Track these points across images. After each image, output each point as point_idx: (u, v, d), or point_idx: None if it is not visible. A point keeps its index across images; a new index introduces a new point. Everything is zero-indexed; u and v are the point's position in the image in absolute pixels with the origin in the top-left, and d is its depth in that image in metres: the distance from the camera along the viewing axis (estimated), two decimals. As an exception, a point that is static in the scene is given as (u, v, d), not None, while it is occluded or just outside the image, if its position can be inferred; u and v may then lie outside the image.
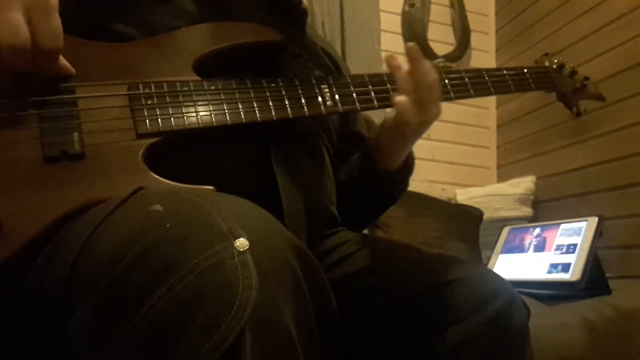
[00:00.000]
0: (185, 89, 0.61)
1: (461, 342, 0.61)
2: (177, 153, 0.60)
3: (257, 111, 0.63)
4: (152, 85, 0.60)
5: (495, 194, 2.10)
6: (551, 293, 1.28)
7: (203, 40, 0.66)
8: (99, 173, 0.54)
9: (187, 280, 0.35)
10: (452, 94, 0.76)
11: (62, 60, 0.56)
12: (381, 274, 0.68)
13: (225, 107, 0.62)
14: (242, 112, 0.62)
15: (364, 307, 0.66)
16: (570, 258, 1.30)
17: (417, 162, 0.85)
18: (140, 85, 0.59)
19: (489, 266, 1.54)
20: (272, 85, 0.65)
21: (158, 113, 0.59)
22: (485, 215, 1.99)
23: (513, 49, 2.40)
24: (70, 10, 0.55)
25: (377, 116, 2.02)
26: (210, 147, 0.62)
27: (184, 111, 0.60)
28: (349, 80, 0.71)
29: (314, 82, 0.69)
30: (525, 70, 0.86)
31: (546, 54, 0.95)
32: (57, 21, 0.52)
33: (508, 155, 2.39)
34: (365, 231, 1.24)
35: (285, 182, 0.64)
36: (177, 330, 0.35)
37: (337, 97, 0.69)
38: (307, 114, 0.66)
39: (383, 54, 2.23)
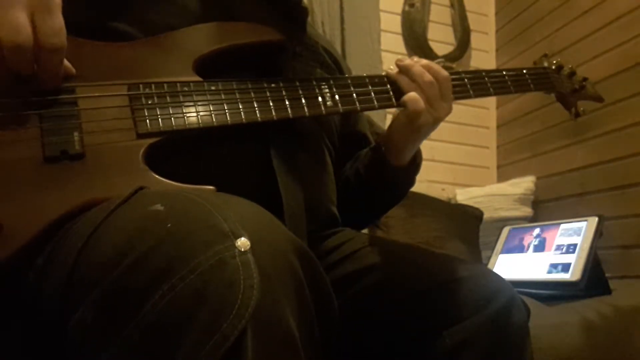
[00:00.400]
0: (186, 89, 0.61)
1: (461, 342, 0.61)
2: (178, 153, 0.60)
3: (257, 111, 0.63)
4: (153, 85, 0.60)
5: (495, 194, 2.10)
6: (551, 293, 1.28)
7: (204, 40, 0.66)
8: (99, 173, 0.54)
9: (188, 280, 0.35)
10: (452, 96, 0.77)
11: (63, 59, 0.56)
12: (381, 274, 0.68)
13: (226, 107, 0.62)
14: (242, 112, 0.62)
15: (364, 307, 0.66)
16: (570, 258, 1.30)
17: (417, 162, 0.85)
18: (141, 86, 0.59)
19: (489, 266, 1.54)
20: (273, 85, 0.66)
21: (158, 113, 0.59)
22: (485, 215, 1.99)
23: (513, 49, 2.40)
24: (71, 10, 0.55)
25: (377, 116, 2.02)
26: (210, 147, 0.62)
27: (184, 111, 0.60)
28: (349, 81, 0.72)
29: (314, 82, 0.69)
30: (525, 71, 0.86)
31: (545, 55, 0.95)
32: (60, 20, 0.52)
33: (508, 155, 2.39)
34: (365, 231, 1.24)
35: (285, 182, 0.64)
36: (179, 329, 0.35)
37: (337, 97, 0.69)
38: (307, 114, 0.66)
39: (383, 54, 2.23)
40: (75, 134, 0.54)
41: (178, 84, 0.61)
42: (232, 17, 0.69)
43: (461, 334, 0.61)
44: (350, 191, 0.82)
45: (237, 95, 0.63)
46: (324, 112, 0.68)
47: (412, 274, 0.67)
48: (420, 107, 0.70)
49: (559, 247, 1.37)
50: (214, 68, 0.65)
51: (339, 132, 0.82)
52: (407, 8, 2.34)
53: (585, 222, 1.36)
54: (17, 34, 0.49)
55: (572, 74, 0.93)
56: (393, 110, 0.74)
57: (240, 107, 0.62)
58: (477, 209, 2.00)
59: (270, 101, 0.64)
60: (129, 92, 0.59)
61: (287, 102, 0.65)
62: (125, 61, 0.61)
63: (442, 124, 0.75)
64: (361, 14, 2.17)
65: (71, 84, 0.57)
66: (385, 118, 2.13)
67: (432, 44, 2.35)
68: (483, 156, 2.44)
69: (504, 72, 0.83)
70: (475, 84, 0.79)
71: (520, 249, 1.51)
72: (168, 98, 0.60)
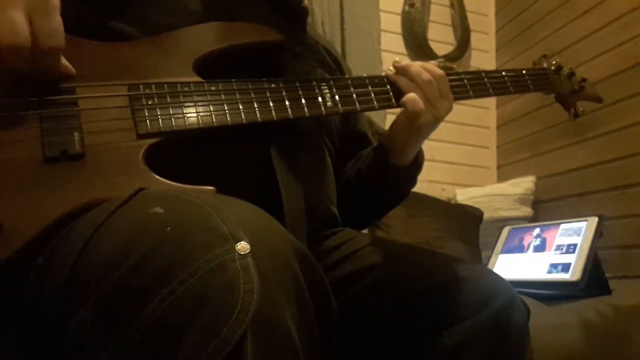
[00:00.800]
0: (186, 89, 0.61)
1: (461, 342, 0.61)
2: (178, 153, 0.60)
3: (257, 112, 0.63)
4: (153, 85, 0.60)
5: (495, 194, 2.10)
6: (551, 293, 1.28)
7: (204, 40, 0.66)
8: (100, 173, 0.54)
9: (188, 284, 0.35)
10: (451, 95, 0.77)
11: (63, 60, 0.56)
12: (381, 274, 0.68)
13: (226, 108, 0.62)
14: (242, 113, 0.62)
15: (364, 307, 0.66)
16: (570, 258, 1.30)
17: (417, 162, 0.85)
18: (141, 86, 0.59)
19: (489, 266, 1.54)
20: (273, 85, 0.66)
21: (159, 113, 0.59)
22: (485, 215, 1.99)
23: (513, 49, 2.40)
24: (70, 10, 0.55)
25: (377, 116, 2.02)
26: (210, 148, 0.62)
27: (184, 111, 0.60)
28: (349, 81, 0.72)
29: (314, 82, 0.69)
30: (524, 72, 0.86)
31: (544, 56, 0.95)
32: (58, 21, 0.52)
33: (508, 155, 2.39)
34: (365, 231, 1.24)
35: (285, 182, 0.64)
36: (178, 333, 0.34)
37: (337, 97, 0.69)
38: (307, 114, 0.66)
39: (383, 54, 2.23)
40: (76, 134, 0.54)
41: (178, 84, 0.61)
42: (233, 17, 0.69)
43: (461, 334, 0.61)
44: (351, 191, 0.82)
45: (237, 96, 0.63)
46: (324, 112, 0.68)
47: (412, 274, 0.67)
48: (420, 107, 0.70)
49: (559, 247, 1.37)
50: (214, 68, 0.65)
51: (339, 132, 0.82)
52: (407, 8, 2.34)
53: (585, 222, 1.36)
54: (16, 34, 0.49)
55: (572, 74, 0.93)
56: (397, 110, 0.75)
57: (241, 107, 0.62)
58: (477, 209, 2.00)
59: (270, 101, 0.64)
60: (129, 93, 0.59)
61: (287, 103, 0.65)
62: (125, 61, 0.61)
63: (442, 124, 0.75)
64: (361, 14, 2.17)
65: (71, 84, 0.57)
66: (385, 118, 2.13)
67: (432, 44, 2.35)
68: (483, 156, 2.44)
69: (504, 73, 0.83)
70: (474, 85, 0.80)
71: (520, 249, 1.51)
72: (168, 98, 0.60)
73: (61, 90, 0.56)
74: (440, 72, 0.74)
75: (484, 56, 2.49)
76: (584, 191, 1.93)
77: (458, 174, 2.33)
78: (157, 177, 0.56)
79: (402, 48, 2.35)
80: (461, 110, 2.30)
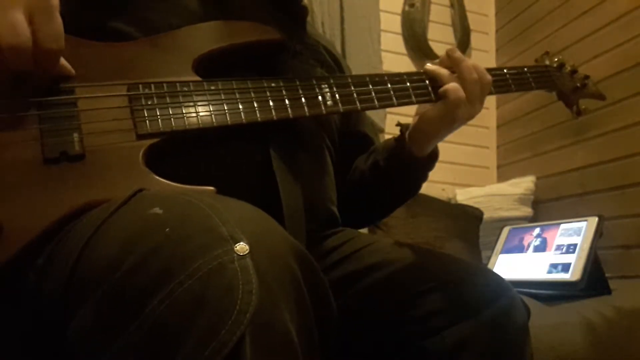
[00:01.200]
0: (186, 89, 0.61)
1: (461, 342, 0.61)
2: (178, 154, 0.60)
3: (257, 111, 0.63)
4: (152, 85, 0.60)
5: (495, 194, 2.10)
6: (551, 293, 1.28)
7: (203, 39, 0.66)
8: (99, 174, 0.54)
9: (187, 285, 0.35)
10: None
11: (62, 60, 0.56)
12: (381, 274, 0.68)
13: (226, 108, 0.61)
14: (242, 113, 0.62)
15: (364, 307, 0.66)
16: (570, 258, 1.30)
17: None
18: (140, 86, 0.59)
19: (489, 266, 1.54)
20: (273, 85, 0.65)
21: (158, 114, 0.58)
22: (485, 215, 1.99)
23: (513, 49, 2.40)
24: (70, 10, 0.55)
25: (378, 116, 2.02)
26: (210, 148, 0.62)
27: (184, 111, 0.60)
28: (349, 80, 0.71)
29: (314, 82, 0.69)
30: (526, 69, 0.86)
31: (546, 53, 0.94)
32: (58, 21, 0.52)
33: (508, 155, 2.39)
34: (365, 231, 1.24)
35: (285, 182, 0.64)
36: (177, 335, 0.34)
37: (337, 96, 0.69)
38: (307, 114, 0.66)
39: (383, 54, 2.23)
40: (75, 135, 0.54)
41: (178, 84, 0.61)
42: (232, 16, 0.69)
43: (461, 334, 0.61)
44: (365, 185, 0.82)
45: (237, 95, 0.63)
46: (324, 111, 0.68)
47: (412, 274, 0.67)
48: (462, 95, 0.71)
49: (559, 247, 1.37)
50: (214, 67, 0.65)
51: (339, 131, 0.82)
52: (407, 8, 2.34)
53: (585, 222, 1.36)
54: (16, 35, 0.49)
55: (574, 72, 0.92)
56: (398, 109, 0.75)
57: (240, 107, 0.62)
58: (477, 209, 2.00)
59: (270, 101, 0.64)
60: (129, 93, 0.59)
61: (287, 102, 0.65)
62: (124, 61, 0.61)
63: (442, 124, 0.75)
64: (361, 14, 2.17)
65: (71, 85, 0.57)
66: (385, 118, 2.13)
67: (432, 44, 2.35)
68: (483, 156, 2.44)
69: (505, 71, 0.83)
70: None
71: (520, 249, 1.51)
72: (168, 98, 0.60)
73: (60, 90, 0.56)
74: (489, 78, 0.75)
75: (484, 56, 2.49)
76: (584, 191, 1.93)
77: (458, 174, 2.33)
78: (157, 177, 0.56)
79: (402, 48, 2.35)
80: (461, 110, 2.30)
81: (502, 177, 2.37)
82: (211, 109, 0.61)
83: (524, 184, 2.11)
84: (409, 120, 0.78)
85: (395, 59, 2.30)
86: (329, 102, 0.68)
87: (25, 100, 0.54)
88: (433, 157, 0.80)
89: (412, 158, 0.77)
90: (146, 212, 0.42)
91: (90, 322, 0.39)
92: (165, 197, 0.46)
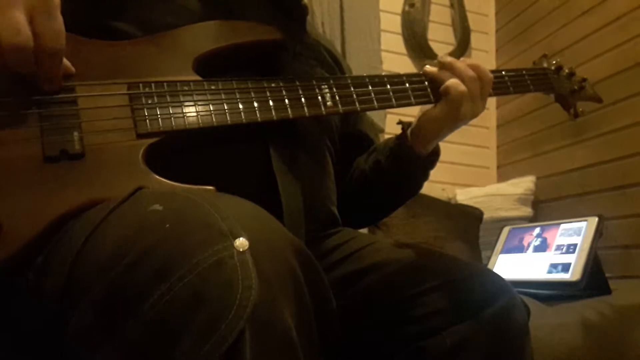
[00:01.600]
0: (186, 88, 0.61)
1: (461, 342, 0.61)
2: (177, 153, 0.60)
3: (257, 111, 0.63)
4: (153, 84, 0.60)
5: (495, 194, 2.10)
6: (551, 293, 1.28)
7: (203, 39, 0.66)
8: (99, 173, 0.54)
9: (187, 280, 0.35)
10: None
11: (63, 59, 0.56)
12: (381, 274, 0.68)
13: (226, 107, 0.61)
14: (242, 112, 0.62)
15: (364, 307, 0.66)
16: (570, 258, 1.30)
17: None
18: (141, 85, 0.59)
19: (489, 266, 1.54)
20: (273, 85, 0.65)
21: (158, 113, 0.59)
22: (485, 215, 1.99)
23: (513, 49, 2.40)
24: (71, 9, 0.55)
25: (378, 116, 2.02)
26: (210, 147, 0.62)
27: (184, 111, 0.60)
28: (349, 81, 0.71)
29: (314, 82, 0.69)
30: (524, 72, 0.86)
31: (544, 56, 0.95)
32: (59, 21, 0.52)
33: (508, 155, 2.39)
34: (365, 231, 1.24)
35: (285, 182, 0.64)
36: (177, 330, 0.34)
37: (337, 97, 0.69)
38: (307, 114, 0.66)
39: (383, 54, 2.23)
40: (75, 133, 0.54)
41: (178, 84, 0.61)
42: (232, 15, 0.69)
43: (461, 334, 0.61)
44: (366, 184, 0.82)
45: (237, 95, 0.63)
46: (324, 112, 0.68)
47: (412, 274, 0.67)
48: (463, 89, 0.71)
49: (559, 247, 1.37)
50: (214, 67, 0.65)
51: (339, 132, 0.82)
52: (407, 8, 2.34)
53: (585, 222, 1.36)
54: (17, 34, 0.49)
55: (572, 74, 0.93)
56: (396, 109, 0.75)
57: (240, 107, 0.62)
58: (477, 209, 2.00)
59: (270, 101, 0.64)
60: (129, 92, 0.59)
61: (287, 102, 0.65)
62: (125, 60, 0.61)
63: (442, 124, 0.75)
64: (361, 14, 2.17)
65: (71, 83, 0.57)
66: (385, 118, 2.13)
67: (432, 44, 2.35)
68: (483, 156, 2.44)
69: (504, 73, 0.83)
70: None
71: (520, 249, 1.51)
72: (168, 97, 0.60)
73: (61, 89, 0.56)
74: (490, 76, 0.75)
75: (484, 56, 2.49)
76: (584, 191, 1.93)
77: (458, 174, 2.33)
78: (157, 176, 0.56)
79: (402, 48, 2.35)
80: (461, 110, 2.30)
81: (502, 177, 2.37)
82: (211, 109, 0.61)
83: (524, 184, 2.11)
84: (409, 120, 0.78)
85: (395, 59, 2.30)
86: (328, 103, 0.68)
87: (25, 98, 0.54)
88: (435, 155, 0.80)
89: (414, 156, 0.77)
90: (146, 208, 0.42)
91: (89, 319, 0.39)
92: (164, 194, 0.46)
